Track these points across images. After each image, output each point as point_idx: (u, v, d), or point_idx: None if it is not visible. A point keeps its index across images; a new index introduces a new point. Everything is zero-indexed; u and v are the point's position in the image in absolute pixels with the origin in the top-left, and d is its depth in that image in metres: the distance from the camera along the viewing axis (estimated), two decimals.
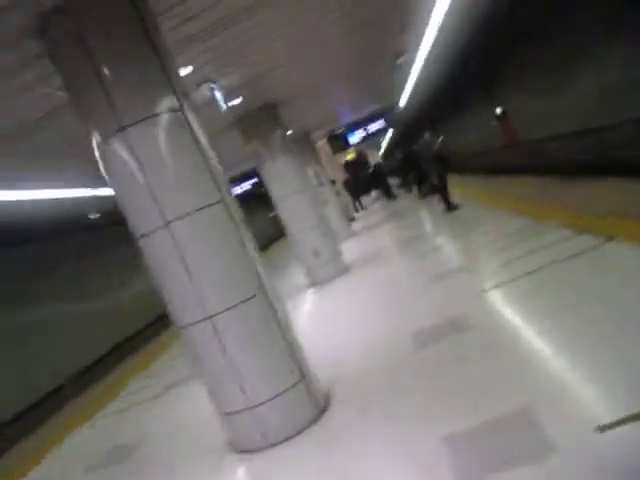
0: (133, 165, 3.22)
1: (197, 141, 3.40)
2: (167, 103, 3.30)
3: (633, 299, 3.27)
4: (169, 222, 3.22)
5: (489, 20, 10.28)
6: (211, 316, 3.29)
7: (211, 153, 3.52)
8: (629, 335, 2.87)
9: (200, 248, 3.30)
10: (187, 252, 3.25)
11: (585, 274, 4.14)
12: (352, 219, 18.49)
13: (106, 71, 3.17)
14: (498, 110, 16.62)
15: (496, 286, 4.76)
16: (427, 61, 10.49)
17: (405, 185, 20.84)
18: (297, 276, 10.21)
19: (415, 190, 17.01)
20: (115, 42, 3.21)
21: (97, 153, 3.37)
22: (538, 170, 12.39)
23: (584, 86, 10.52)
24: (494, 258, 5.88)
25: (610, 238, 4.55)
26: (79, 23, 3.16)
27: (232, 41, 5.08)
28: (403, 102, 15.57)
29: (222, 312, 3.31)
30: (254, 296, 3.43)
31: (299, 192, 8.78)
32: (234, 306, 3.34)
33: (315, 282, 9.01)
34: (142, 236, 3.32)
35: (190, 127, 3.40)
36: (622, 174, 7.49)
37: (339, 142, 15.93)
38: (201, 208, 3.29)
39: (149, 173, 3.22)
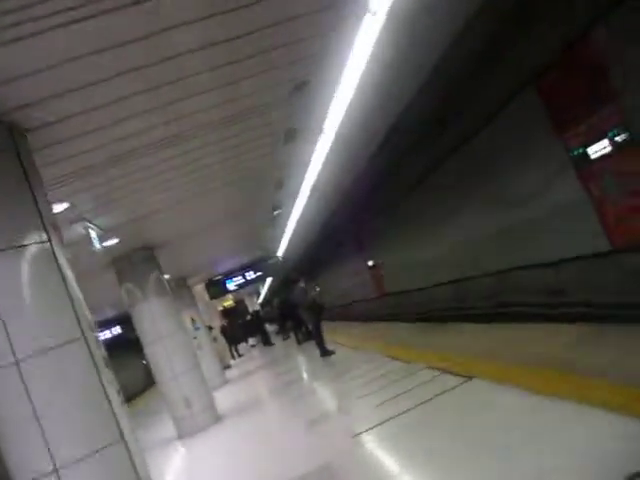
0: None
1: (63, 276, 3.29)
2: (34, 235, 3.22)
3: (492, 431, 3.48)
4: (19, 360, 2.96)
5: (358, 184, 11.49)
6: (60, 468, 2.93)
7: (77, 290, 3.40)
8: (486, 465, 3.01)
9: (53, 386, 3.03)
10: (37, 391, 2.96)
11: (449, 412, 4.36)
12: (228, 366, 17.93)
13: None
14: (370, 263, 17.94)
15: (368, 430, 4.78)
16: (303, 215, 11.26)
17: (283, 332, 20.93)
18: (165, 427, 9.46)
19: (292, 337, 17.14)
20: None
21: None
22: (407, 318, 13.21)
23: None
24: (366, 401, 5.96)
25: (469, 377, 4.91)
26: None
27: (112, 183, 5.17)
28: (281, 251, 16.24)
29: (73, 463, 2.96)
30: (111, 445, 3.13)
31: (170, 336, 8.48)
32: (88, 456, 3.01)
33: (185, 433, 8.38)
34: None
35: (56, 261, 3.30)
36: (477, 320, 8.26)
37: (217, 288, 15.97)
38: (60, 345, 3.08)
39: (4, 304, 3.01)
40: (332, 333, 12.72)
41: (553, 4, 5.97)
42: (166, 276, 9.48)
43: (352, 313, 23.39)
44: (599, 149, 6.51)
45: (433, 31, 5.04)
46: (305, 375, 10.76)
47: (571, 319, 6.40)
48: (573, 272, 7.69)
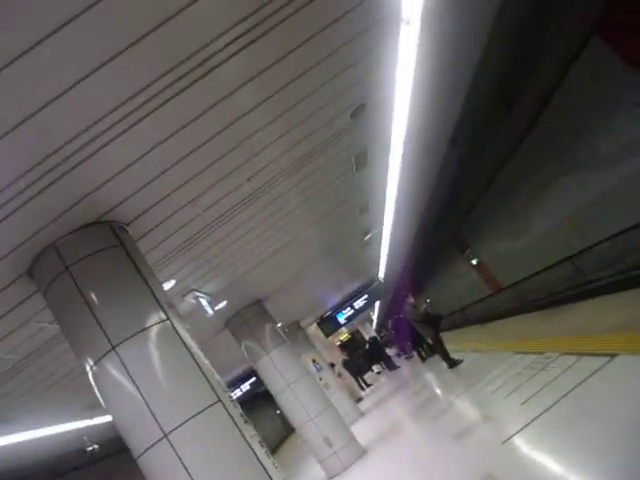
0: (127, 382, 3.26)
1: (187, 347, 3.50)
2: (154, 316, 3.47)
3: None
4: (168, 433, 3.16)
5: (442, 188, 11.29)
6: None
7: (202, 357, 3.60)
8: None
9: (202, 452, 3.20)
10: (189, 459, 3.14)
11: (600, 398, 4.05)
12: (359, 399, 17.88)
13: (93, 297, 3.38)
14: (474, 262, 17.41)
15: (519, 432, 4.56)
16: (393, 231, 11.21)
17: (403, 352, 20.66)
18: (314, 470, 9.55)
19: (415, 355, 16.86)
20: (100, 270, 3.48)
21: (90, 376, 3.42)
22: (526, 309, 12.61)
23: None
24: (509, 402, 5.70)
25: (612, 355, 4.56)
26: (67, 259, 3.44)
27: (209, 250, 5.47)
28: (382, 273, 16.19)
29: None
30: None
31: (297, 382, 8.65)
32: None
33: (334, 473, 8.42)
34: (142, 454, 3.22)
35: (179, 335, 3.52)
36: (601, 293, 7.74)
37: (330, 324, 16.13)
38: (199, 412, 3.26)
39: (143, 387, 3.25)
40: (452, 342, 12.37)
41: None
42: (279, 324, 9.75)
43: (468, 317, 22.63)
44: None
45: (469, 27, 4.97)
46: (438, 390, 10.50)
47: None
48: None
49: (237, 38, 2.92)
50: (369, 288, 15.88)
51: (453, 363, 10.17)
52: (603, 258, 9.87)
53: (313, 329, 16.81)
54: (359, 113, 4.82)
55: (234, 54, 3.01)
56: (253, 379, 16.70)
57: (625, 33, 6.22)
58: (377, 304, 25.88)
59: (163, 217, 4.21)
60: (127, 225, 3.92)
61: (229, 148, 3.90)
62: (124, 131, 3.01)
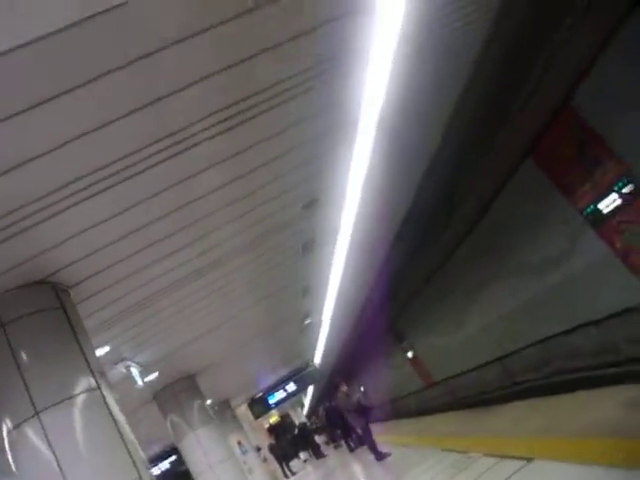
0: (45, 451, 3.15)
1: (114, 419, 3.45)
2: (84, 383, 3.42)
3: None
4: None
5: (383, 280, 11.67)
6: None
7: (128, 430, 3.53)
8: None
9: None
10: None
11: None
12: None
13: (24, 358, 3.32)
14: (410, 354, 17.66)
15: None
16: (333, 318, 11.37)
17: (333, 441, 20.21)
18: None
19: (344, 444, 16.54)
20: (36, 331, 3.44)
21: (6, 441, 3.27)
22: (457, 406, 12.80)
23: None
24: None
25: (529, 459, 4.75)
26: (4, 316, 3.39)
27: (147, 321, 5.43)
28: (318, 358, 16.15)
29: None
30: None
31: (221, 464, 8.32)
32: None
33: None
34: None
35: (107, 405, 3.47)
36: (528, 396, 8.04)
37: (260, 406, 15.74)
38: None
39: (62, 458, 3.15)
40: (382, 434, 12.31)
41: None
42: (208, 401, 9.49)
43: (399, 409, 22.60)
44: (609, 203, 6.66)
45: (418, 136, 5.49)
46: None
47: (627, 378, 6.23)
48: (618, 328, 7.54)
49: (207, 128, 3.16)
50: (303, 372, 15.76)
51: (381, 456, 10.08)
52: (531, 361, 10.33)
53: (243, 409, 16.34)
54: (311, 206, 5.12)
55: (201, 142, 3.24)
56: (173, 457, 15.82)
57: (553, 159, 6.94)
58: (310, 389, 25.49)
59: (107, 284, 4.22)
60: (70, 288, 3.91)
61: (184, 224, 4.04)
62: (83, 200, 3.11)
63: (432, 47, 4.06)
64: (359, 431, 11.11)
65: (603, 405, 5.25)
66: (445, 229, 9.47)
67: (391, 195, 6.51)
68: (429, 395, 18.02)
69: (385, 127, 4.43)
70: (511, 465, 4.94)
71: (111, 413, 3.45)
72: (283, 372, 15.12)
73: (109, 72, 2.39)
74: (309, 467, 20.76)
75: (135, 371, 6.37)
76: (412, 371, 18.49)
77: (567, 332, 8.76)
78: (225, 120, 3.19)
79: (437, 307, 13.70)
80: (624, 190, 6.16)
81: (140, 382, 6.46)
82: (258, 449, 15.86)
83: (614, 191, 6.31)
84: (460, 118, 5.97)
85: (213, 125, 3.16)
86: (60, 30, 2.06)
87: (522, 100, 5.99)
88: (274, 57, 2.93)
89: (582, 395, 6.43)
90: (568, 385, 8.11)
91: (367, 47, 3.36)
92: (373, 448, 10.24)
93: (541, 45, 5.42)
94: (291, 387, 15.50)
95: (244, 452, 13.54)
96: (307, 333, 11.49)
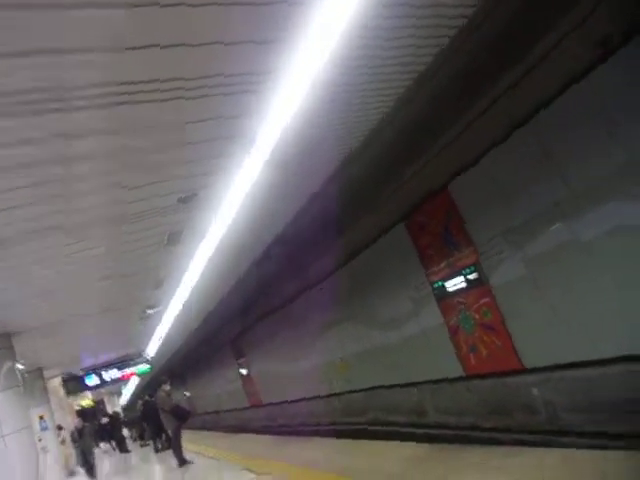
0: None
1: None
2: None
3: None
4: None
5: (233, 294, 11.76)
6: None
7: None
8: None
9: None
10: None
11: None
12: (72, 473, 16.22)
13: None
14: (244, 372, 17.81)
15: None
16: (179, 317, 11.22)
17: (142, 438, 19.54)
18: None
19: (151, 443, 16.11)
20: None
21: None
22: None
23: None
24: None
25: None
26: None
27: None
28: (152, 352, 15.70)
29: None
30: None
31: (14, 434, 7.75)
32: None
33: None
34: None
35: None
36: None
37: (76, 384, 14.94)
38: None
39: None
40: (193, 442, 12.23)
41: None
42: (19, 365, 8.83)
43: (220, 422, 22.56)
44: (455, 284, 7.39)
45: (309, 172, 5.78)
46: None
47: (431, 438, 6.87)
48: (433, 394, 8.30)
49: (92, 97, 3.13)
50: (131, 362, 15.22)
51: (184, 462, 10.03)
52: (354, 405, 10.99)
53: (56, 383, 15.32)
54: (187, 201, 5.17)
55: (85, 107, 3.19)
56: None
57: (421, 230, 7.61)
58: (134, 380, 24.53)
59: None
60: None
61: (42, 180, 3.85)
62: None
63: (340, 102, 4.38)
64: (170, 433, 10.95)
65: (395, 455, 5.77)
66: (312, 263, 9.86)
67: (269, 215, 6.72)
68: (252, 415, 18.27)
69: (280, 152, 4.65)
70: None
71: None
72: (111, 356, 14.49)
73: None
74: (110, 460, 19.84)
75: None
76: (241, 388, 18.64)
77: (389, 387, 9.50)
78: (115, 95, 3.18)
79: (280, 334, 14.07)
80: (469, 276, 6.92)
81: None
82: (59, 428, 14.89)
83: (461, 274, 7.07)
84: (351, 168, 6.37)
85: (99, 96, 3.14)
86: None
87: (410, 172, 6.50)
88: (179, 54, 3.03)
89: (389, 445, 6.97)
90: (380, 434, 8.78)
91: (278, 71, 3.56)
92: (178, 453, 10.16)
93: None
94: (114, 374, 14.88)
95: (44, 429, 12.66)
96: (148, 323, 11.18)
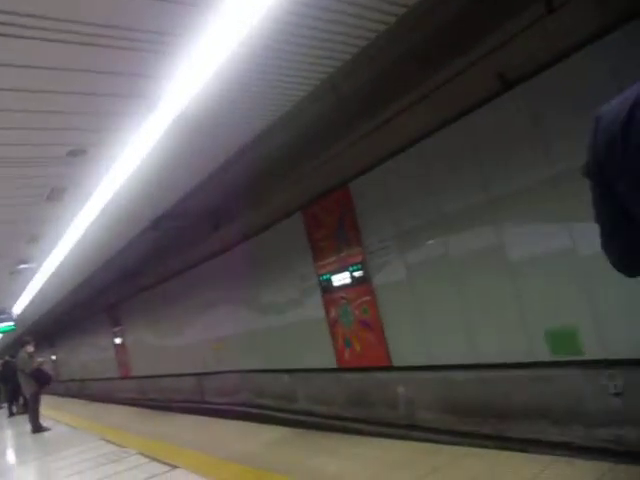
0: None
1: None
2: None
3: None
4: None
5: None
6: None
7: None
8: None
9: None
10: None
11: None
12: None
13: None
14: (118, 341, 17.15)
15: None
16: (54, 276, 10.56)
17: None
18: None
19: (6, 407, 15.08)
20: None
21: None
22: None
23: None
24: None
25: (174, 466, 5.08)
26: None
27: None
28: (19, 309, 14.64)
29: None
30: None
31: None
32: None
33: None
34: None
35: None
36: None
37: None
38: None
39: None
40: (55, 408, 11.60)
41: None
42: None
43: (86, 390, 21.66)
44: (340, 279, 7.59)
45: (215, 143, 5.63)
46: (8, 452, 9.54)
47: (298, 424, 7.03)
48: (305, 382, 8.50)
49: None
50: None
51: (38, 428, 9.52)
52: (226, 386, 10.99)
53: None
54: (76, 155, 4.87)
55: None
56: None
57: (316, 221, 7.73)
58: None
59: None
60: None
61: None
62: None
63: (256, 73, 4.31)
64: (27, 397, 10.31)
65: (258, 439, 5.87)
66: (204, 240, 9.65)
67: (165, 184, 6.48)
68: (123, 386, 17.68)
69: (185, 120, 4.51)
70: (157, 468, 5.20)
71: None
72: None
73: None
74: None
75: None
76: (114, 358, 17.97)
77: (263, 371, 9.61)
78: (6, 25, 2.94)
79: (161, 308, 13.76)
80: (355, 274, 7.16)
81: None
82: None
83: (348, 270, 7.29)
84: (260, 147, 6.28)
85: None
86: None
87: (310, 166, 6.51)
88: None
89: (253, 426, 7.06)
90: (251, 416, 8.86)
91: (189, 34, 3.43)
92: (33, 419, 9.64)
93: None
94: None
95: None
96: (17, 278, 10.40)
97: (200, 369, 12.00)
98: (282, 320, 8.87)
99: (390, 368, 6.66)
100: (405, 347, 6.44)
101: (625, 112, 0.96)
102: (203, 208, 8.10)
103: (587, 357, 4.44)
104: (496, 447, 4.30)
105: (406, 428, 6.27)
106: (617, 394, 4.25)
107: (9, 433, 11.43)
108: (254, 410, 9.60)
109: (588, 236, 3.87)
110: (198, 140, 5.22)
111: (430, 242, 5.90)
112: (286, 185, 7.02)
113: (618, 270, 1.15)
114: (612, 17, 3.81)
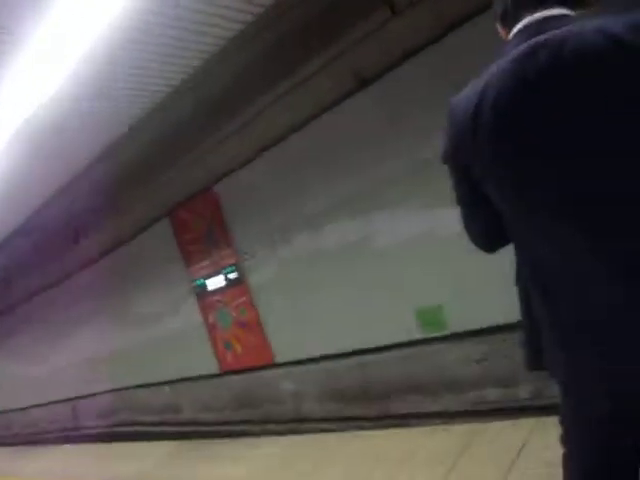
0: None
1: None
2: None
3: None
4: None
5: None
6: None
7: None
8: None
9: None
10: None
11: None
12: None
13: None
14: None
15: None
16: None
17: None
18: None
19: None
20: None
21: None
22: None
23: None
24: None
25: None
26: None
27: None
28: None
29: None
30: None
31: None
32: None
33: None
34: None
35: None
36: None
37: None
38: None
39: None
40: None
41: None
42: None
43: None
44: (215, 282, 7.47)
45: (68, 151, 5.25)
46: None
47: (185, 435, 6.79)
48: (188, 391, 8.24)
49: None
50: None
51: None
52: (101, 408, 10.33)
53: None
54: None
55: None
56: None
57: (185, 227, 7.54)
58: None
59: None
60: None
61: None
62: None
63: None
64: None
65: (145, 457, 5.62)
66: (64, 254, 8.98)
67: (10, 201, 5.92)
68: None
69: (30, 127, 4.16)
70: None
71: None
72: None
73: None
74: None
75: None
76: None
77: (141, 386, 9.17)
78: None
79: (20, 332, 12.58)
80: (229, 275, 7.08)
81: None
82: None
83: (222, 273, 7.19)
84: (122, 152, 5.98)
85: None
86: None
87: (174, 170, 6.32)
88: None
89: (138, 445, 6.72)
90: (130, 435, 8.39)
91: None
92: None
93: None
94: None
95: None
96: None
97: (73, 393, 11.18)
98: (158, 331, 8.54)
99: (273, 365, 6.72)
100: (286, 343, 6.52)
101: (476, 96, 1.06)
102: (62, 220, 7.54)
103: (452, 330, 4.83)
104: (381, 427, 4.54)
105: (296, 422, 6.37)
106: (480, 360, 4.67)
107: None
108: (138, 428, 9.14)
109: (448, 219, 4.21)
110: (50, 145, 4.85)
111: (302, 237, 6.03)
112: (149, 191, 6.79)
113: (478, 247, 1.27)
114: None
